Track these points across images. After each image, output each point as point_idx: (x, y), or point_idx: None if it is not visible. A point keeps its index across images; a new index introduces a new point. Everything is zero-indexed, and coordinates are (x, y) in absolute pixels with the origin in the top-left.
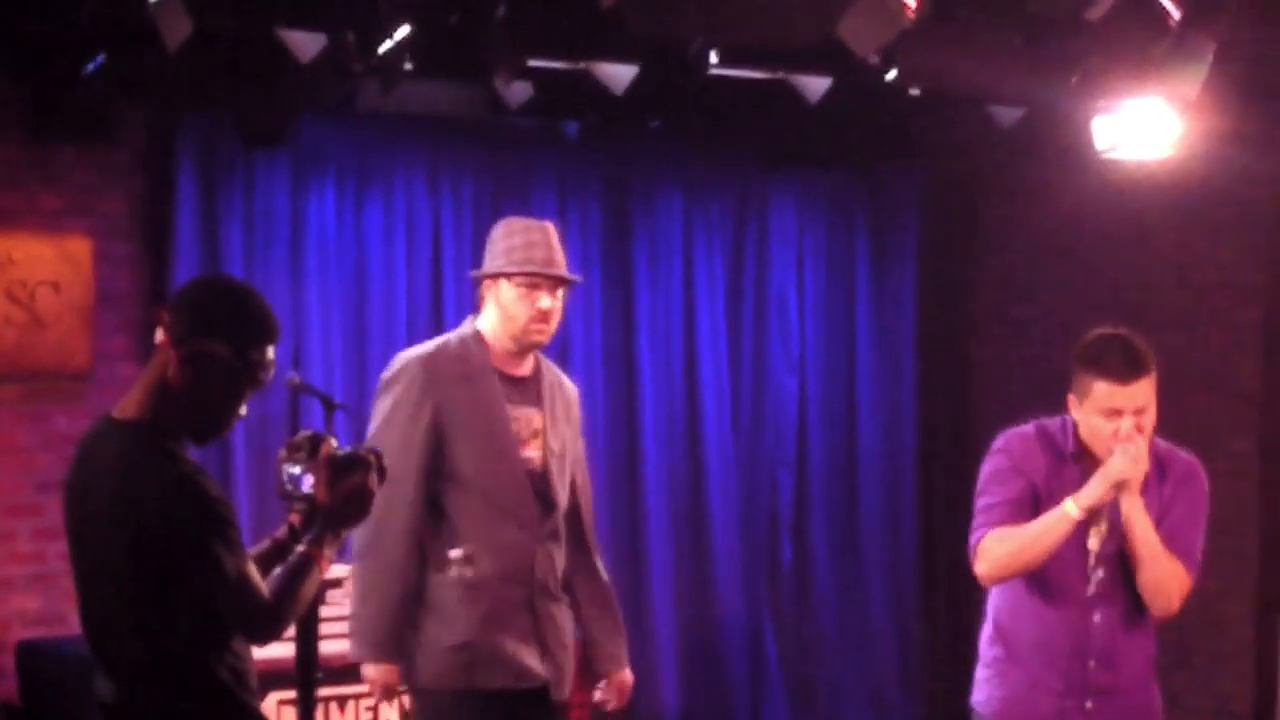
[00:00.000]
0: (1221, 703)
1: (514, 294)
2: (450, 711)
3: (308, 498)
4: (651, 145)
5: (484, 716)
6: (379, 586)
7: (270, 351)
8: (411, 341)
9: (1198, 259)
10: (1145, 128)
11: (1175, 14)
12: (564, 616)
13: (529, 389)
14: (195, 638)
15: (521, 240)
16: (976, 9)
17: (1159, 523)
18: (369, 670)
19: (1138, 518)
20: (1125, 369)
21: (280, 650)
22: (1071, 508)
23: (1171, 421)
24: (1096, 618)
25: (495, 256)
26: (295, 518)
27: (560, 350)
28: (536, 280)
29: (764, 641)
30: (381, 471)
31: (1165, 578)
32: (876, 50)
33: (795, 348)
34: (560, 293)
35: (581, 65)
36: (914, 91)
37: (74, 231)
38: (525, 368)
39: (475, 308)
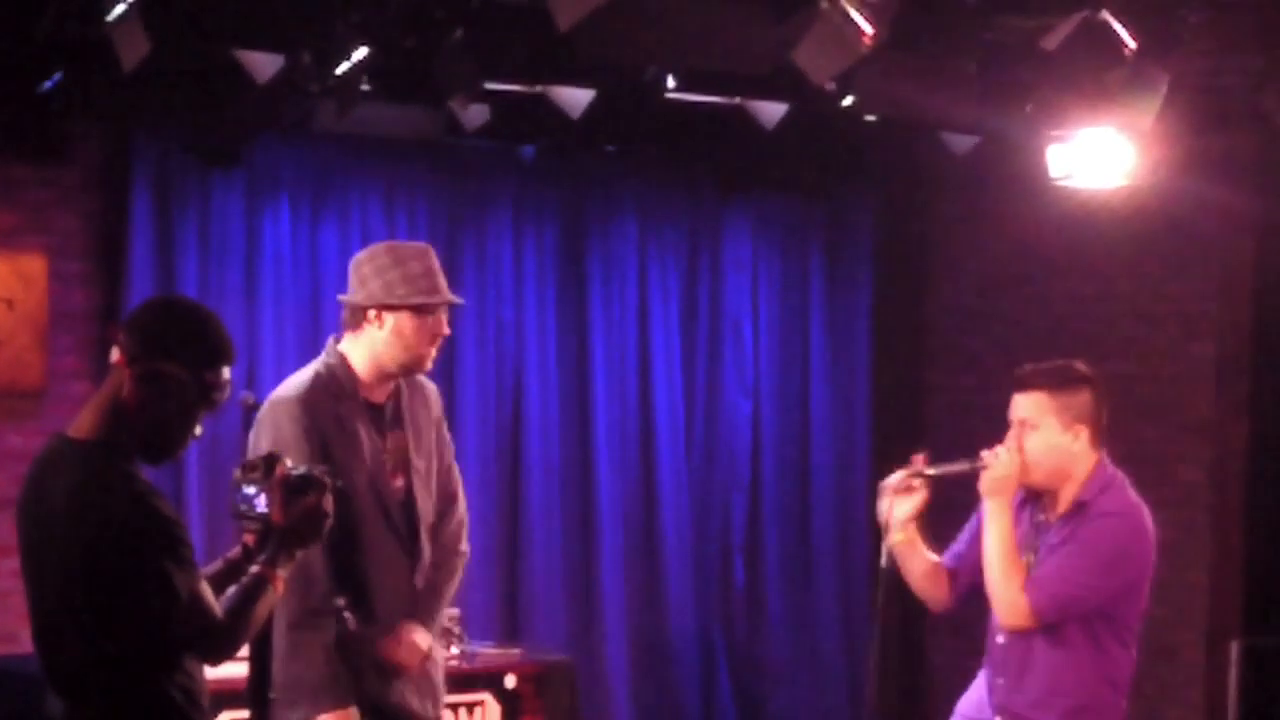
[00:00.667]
0: None
1: (415, 323)
2: None
3: (262, 518)
4: (607, 169)
5: None
6: (305, 643)
7: (225, 373)
8: None
9: (1150, 289)
10: (1099, 157)
11: (1130, 44)
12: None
13: (393, 411)
14: (147, 657)
15: (420, 268)
16: (932, 37)
17: (1050, 549)
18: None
19: (991, 524)
20: (1015, 380)
21: (233, 669)
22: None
23: (1123, 450)
24: (1000, 638)
25: (392, 285)
26: (249, 538)
27: (515, 373)
28: (435, 308)
29: (716, 663)
30: (336, 492)
31: (997, 591)
32: (832, 77)
33: (749, 372)
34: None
35: (538, 89)
36: (869, 118)
37: (28, 249)
38: (387, 390)
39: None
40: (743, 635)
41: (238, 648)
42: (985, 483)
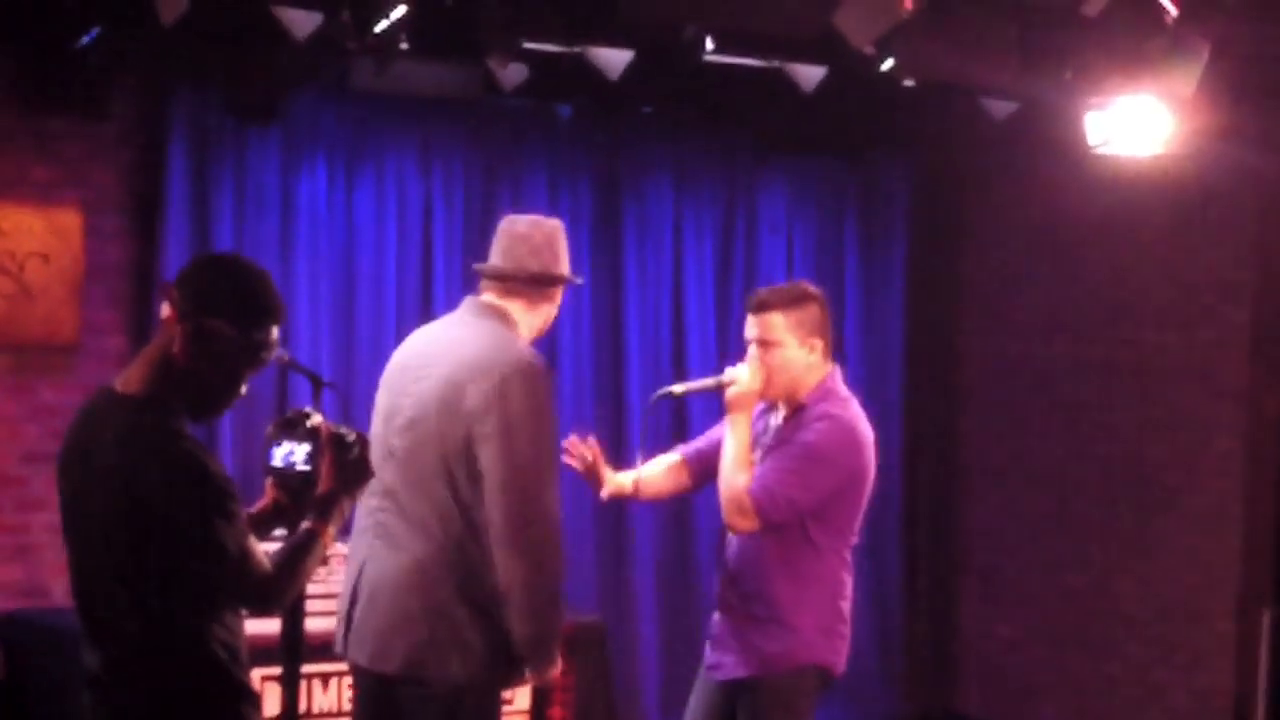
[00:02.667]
0: (1203, 700)
1: (557, 298)
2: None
3: (301, 475)
4: (644, 130)
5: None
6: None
7: (274, 332)
8: (400, 321)
9: (1187, 256)
10: (1138, 124)
11: (1171, 11)
12: None
13: None
14: (191, 612)
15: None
16: (973, 2)
17: (767, 450)
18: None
19: (732, 434)
20: (751, 304)
21: (262, 627)
22: None
23: (1158, 418)
24: (730, 536)
25: (564, 260)
26: (279, 494)
27: (549, 334)
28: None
29: None
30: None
31: (725, 493)
32: (873, 41)
33: None
34: None
35: (577, 49)
36: (908, 83)
37: (64, 204)
38: None
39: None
40: None
41: (288, 601)
42: (729, 398)
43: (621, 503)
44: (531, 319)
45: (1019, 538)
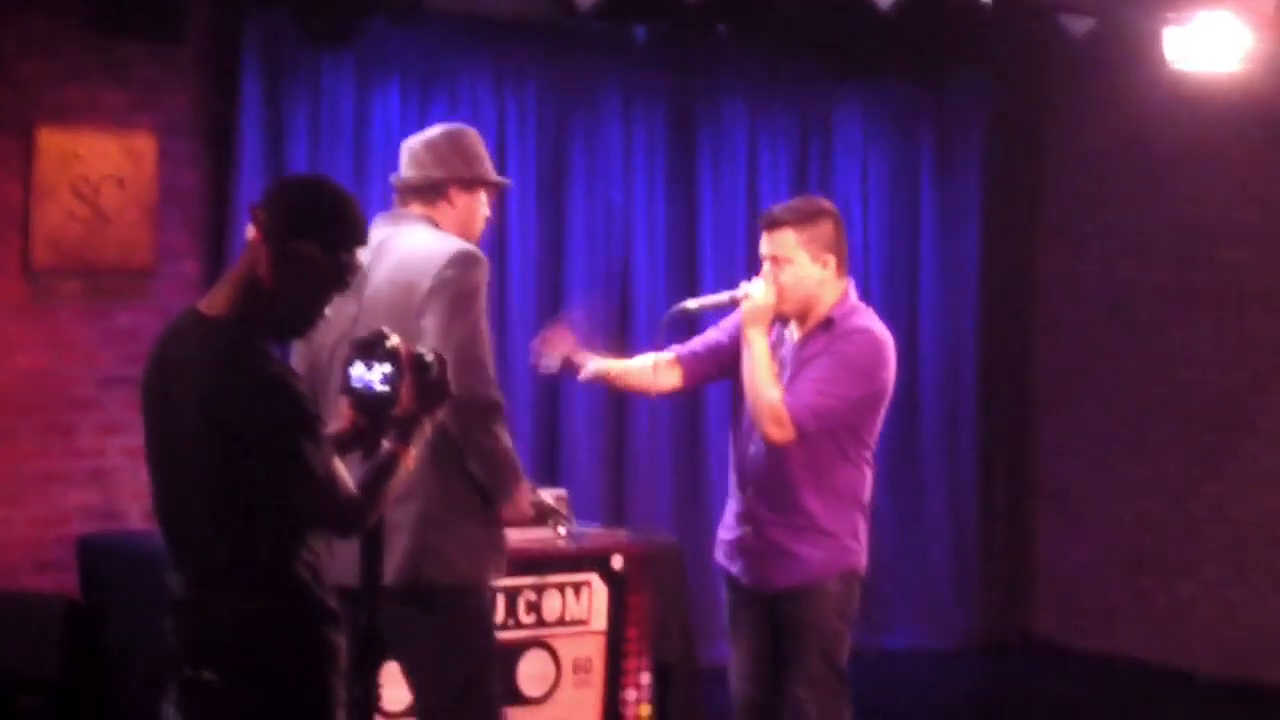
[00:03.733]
0: (1279, 620)
1: (482, 200)
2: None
3: (383, 396)
4: (718, 53)
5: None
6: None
7: (360, 254)
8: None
9: (1266, 175)
10: (1216, 41)
11: None
12: None
13: None
14: (278, 534)
15: (485, 151)
16: None
17: (802, 365)
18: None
19: (750, 348)
20: (763, 221)
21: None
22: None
23: (1234, 337)
24: (751, 449)
25: (480, 161)
26: (357, 416)
27: (624, 256)
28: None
29: None
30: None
31: (759, 408)
32: None
33: (859, 257)
34: None
35: None
36: (984, 0)
37: (138, 128)
38: None
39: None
40: None
41: (370, 523)
42: (744, 312)
43: (697, 426)
44: (457, 222)
45: (1094, 461)
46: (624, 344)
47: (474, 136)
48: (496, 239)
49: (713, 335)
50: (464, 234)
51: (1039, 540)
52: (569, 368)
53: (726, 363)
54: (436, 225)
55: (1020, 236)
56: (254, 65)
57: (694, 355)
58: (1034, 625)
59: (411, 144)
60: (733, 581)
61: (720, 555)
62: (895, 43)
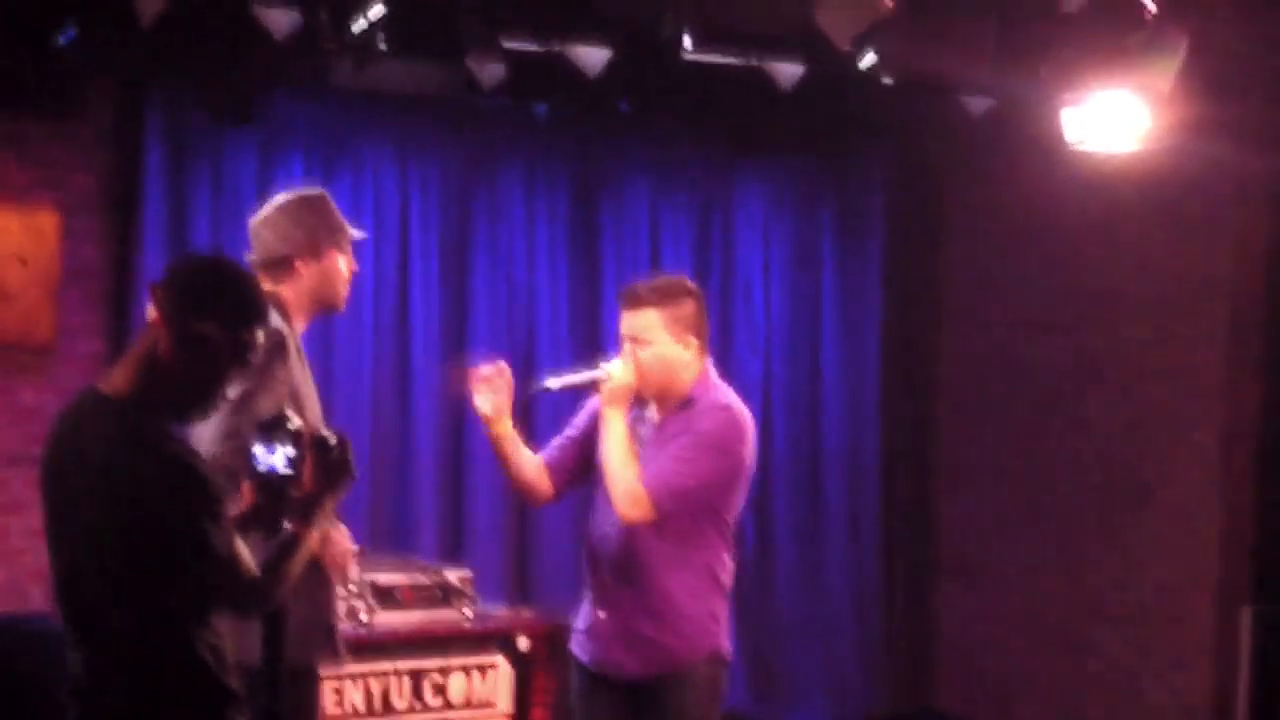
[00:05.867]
0: (1181, 698)
1: (342, 261)
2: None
3: (286, 479)
4: (621, 129)
5: None
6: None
7: (260, 333)
8: (378, 321)
9: (1165, 252)
10: (1114, 120)
11: (1150, 7)
12: None
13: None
14: (180, 615)
15: (332, 207)
16: None
17: (662, 445)
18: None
19: (610, 429)
20: (623, 299)
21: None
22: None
23: (1134, 412)
24: (607, 528)
25: (320, 228)
26: (259, 497)
27: (527, 333)
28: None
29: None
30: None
31: (616, 487)
32: (852, 38)
33: (761, 332)
34: None
35: (555, 47)
36: (886, 80)
37: (41, 205)
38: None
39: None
40: (753, 593)
41: (274, 604)
42: (604, 393)
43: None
44: (309, 292)
45: (997, 536)
46: (526, 416)
47: (314, 199)
48: (399, 312)
49: (567, 433)
50: (320, 301)
51: (942, 613)
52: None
53: (589, 454)
54: (283, 301)
55: (922, 311)
56: (156, 141)
57: (560, 461)
58: (938, 698)
59: (252, 223)
60: (582, 668)
61: (574, 644)
62: (796, 119)
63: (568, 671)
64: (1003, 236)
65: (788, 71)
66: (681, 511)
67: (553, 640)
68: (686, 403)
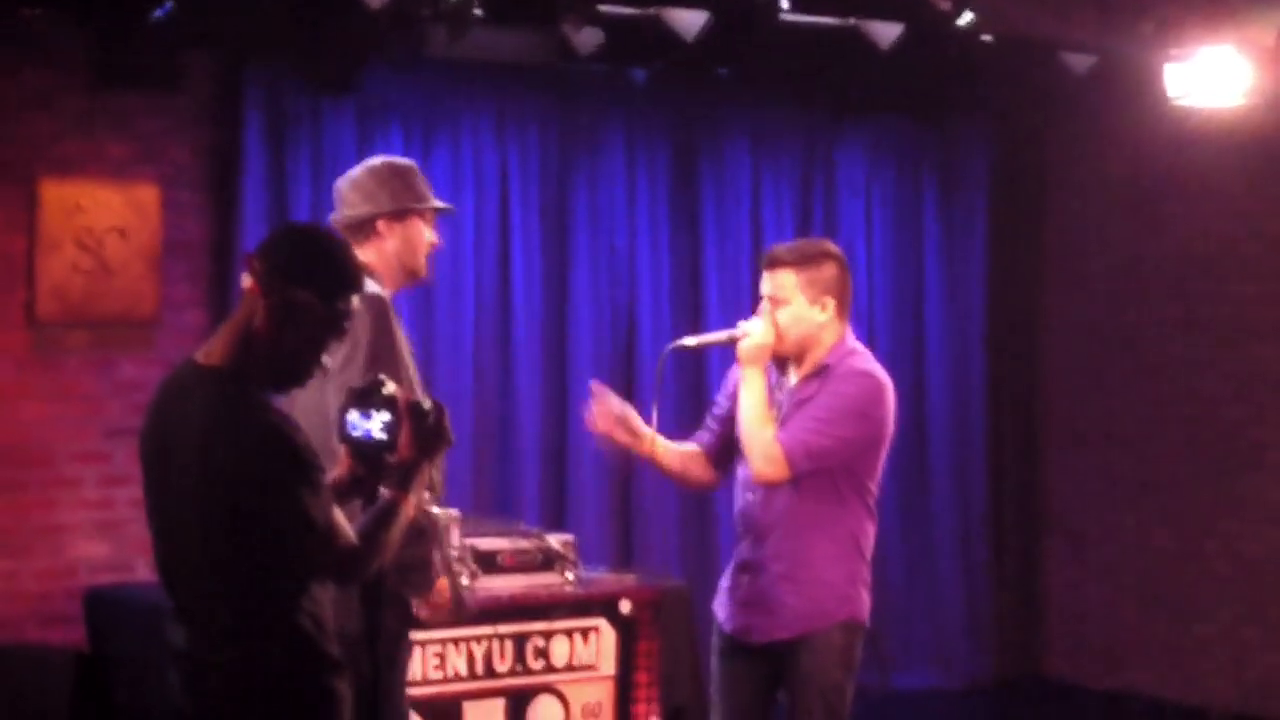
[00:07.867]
0: None
1: (426, 229)
2: None
3: (380, 445)
4: (720, 93)
5: None
6: None
7: (355, 301)
8: (479, 292)
9: (1269, 209)
10: (1217, 76)
11: None
12: None
13: None
14: (279, 584)
15: (421, 178)
16: None
17: (798, 407)
18: None
19: (748, 387)
20: (764, 258)
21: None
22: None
23: (1240, 370)
24: (750, 496)
25: (407, 191)
26: (355, 464)
27: (628, 299)
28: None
29: None
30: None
31: (751, 445)
32: None
33: (863, 297)
34: None
35: (652, 11)
36: (985, 38)
37: (141, 179)
38: None
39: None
40: None
41: (372, 572)
42: (741, 351)
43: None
44: (394, 255)
45: (1105, 501)
46: (630, 385)
47: (402, 167)
48: (500, 281)
49: (714, 413)
50: (403, 266)
51: (1050, 579)
52: (628, 440)
53: (735, 430)
54: (373, 269)
55: (1025, 273)
56: (255, 114)
57: (712, 434)
58: (1045, 664)
59: (339, 184)
60: (722, 631)
61: (715, 604)
62: (896, 80)
63: (670, 636)
64: (1106, 195)
65: (886, 31)
66: (817, 472)
67: (655, 604)
68: (823, 369)
